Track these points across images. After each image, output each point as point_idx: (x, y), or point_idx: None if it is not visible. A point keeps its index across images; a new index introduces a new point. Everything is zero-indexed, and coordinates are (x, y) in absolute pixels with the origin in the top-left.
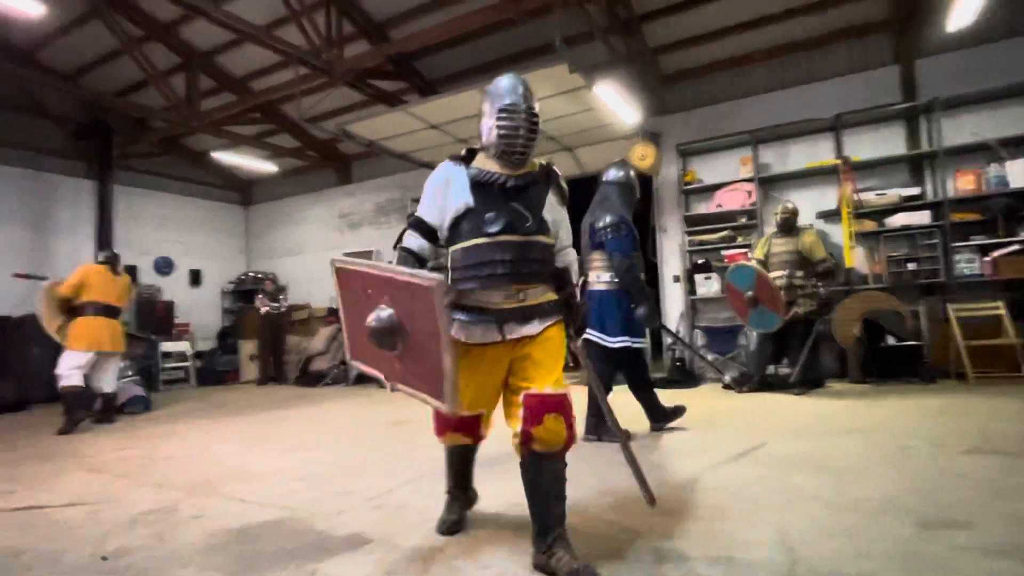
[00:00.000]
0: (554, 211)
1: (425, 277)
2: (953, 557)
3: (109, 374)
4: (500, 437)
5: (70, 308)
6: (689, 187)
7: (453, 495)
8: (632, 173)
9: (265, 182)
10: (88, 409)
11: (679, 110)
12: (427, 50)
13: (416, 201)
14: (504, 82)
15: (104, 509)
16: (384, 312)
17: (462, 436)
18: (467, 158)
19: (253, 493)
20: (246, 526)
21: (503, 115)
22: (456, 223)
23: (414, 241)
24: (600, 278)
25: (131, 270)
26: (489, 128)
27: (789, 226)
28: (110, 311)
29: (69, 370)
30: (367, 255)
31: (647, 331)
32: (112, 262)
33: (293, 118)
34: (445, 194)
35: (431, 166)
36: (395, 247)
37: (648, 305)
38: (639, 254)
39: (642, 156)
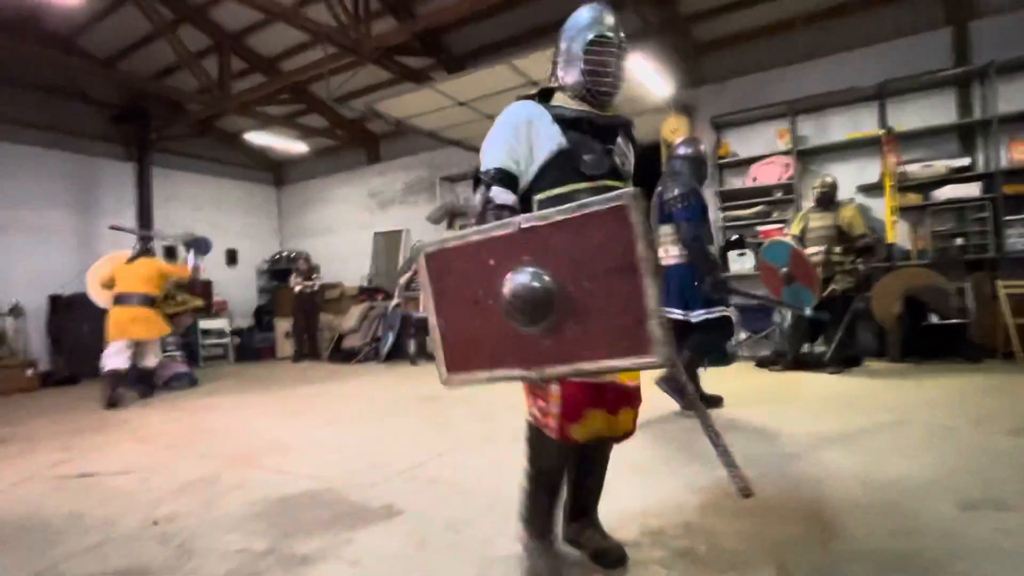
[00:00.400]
0: (632, 163)
1: (605, 199)
2: (999, 538)
3: (148, 354)
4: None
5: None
6: (723, 161)
7: (540, 542)
8: (702, 148)
9: (297, 162)
10: (127, 386)
11: (714, 81)
12: (454, 25)
13: (447, 179)
14: (587, 13)
15: (153, 477)
16: (525, 275)
17: (627, 413)
18: (543, 97)
19: (291, 465)
20: (285, 496)
21: (592, 48)
22: (544, 168)
23: (507, 195)
24: (670, 252)
25: (170, 251)
26: (570, 65)
27: (828, 200)
28: (132, 299)
29: (109, 357)
30: (396, 235)
31: (723, 303)
32: (139, 252)
33: (322, 98)
34: (529, 136)
35: (460, 144)
36: (482, 213)
37: (714, 277)
38: (707, 227)
39: (674, 129)
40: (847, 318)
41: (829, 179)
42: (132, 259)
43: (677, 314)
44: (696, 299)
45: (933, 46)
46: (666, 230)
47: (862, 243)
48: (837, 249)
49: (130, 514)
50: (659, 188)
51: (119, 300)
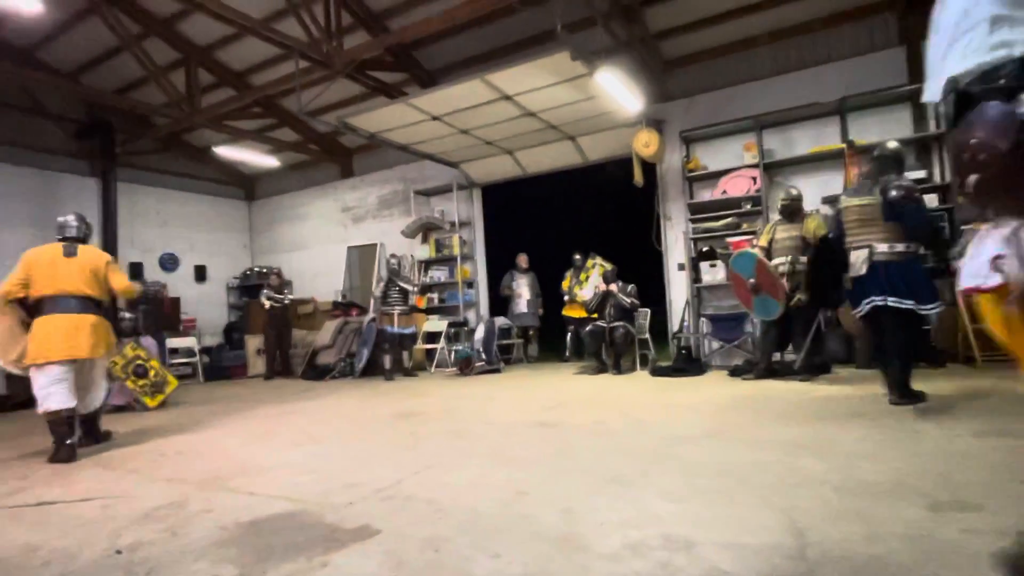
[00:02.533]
0: None
1: None
2: (965, 539)
3: (92, 387)
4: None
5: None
6: (693, 174)
7: None
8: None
9: (268, 177)
10: (82, 435)
11: (682, 96)
12: (427, 40)
13: (422, 193)
14: None
15: (116, 504)
16: None
17: None
18: None
19: (262, 486)
20: (257, 519)
21: None
22: None
23: None
24: (895, 248)
25: (137, 267)
26: None
27: (793, 212)
28: (70, 303)
29: (43, 390)
30: (371, 248)
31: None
32: (71, 239)
33: (294, 112)
34: None
35: (433, 158)
36: None
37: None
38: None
39: (645, 144)
40: (814, 326)
41: (794, 191)
42: (69, 252)
43: (907, 304)
44: (928, 292)
45: (889, 64)
46: (892, 226)
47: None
48: (802, 259)
49: (92, 544)
50: (874, 187)
51: (51, 306)
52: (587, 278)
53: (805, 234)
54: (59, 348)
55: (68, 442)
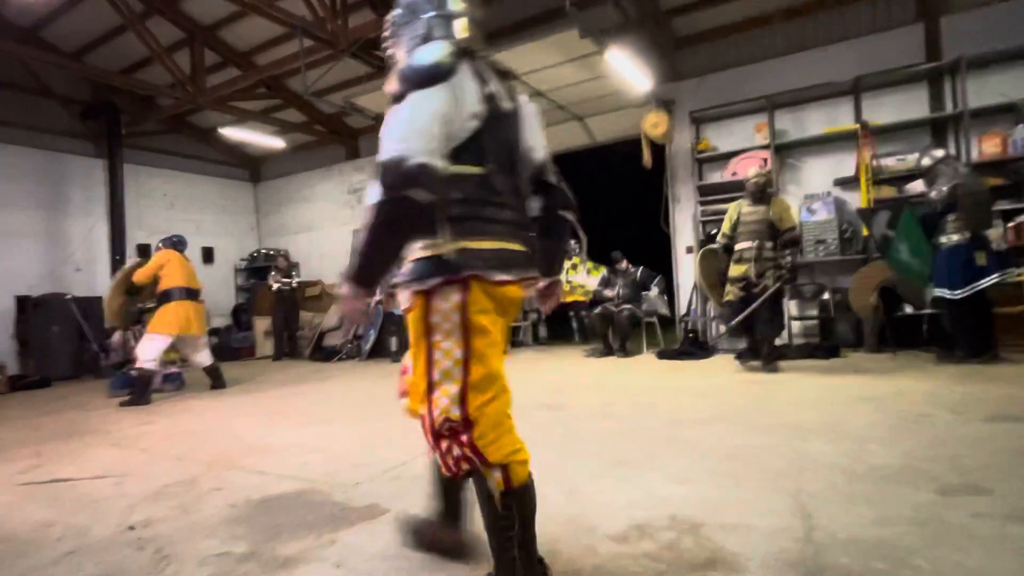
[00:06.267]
0: None
1: None
2: (974, 523)
3: (202, 350)
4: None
5: (132, 292)
6: (703, 155)
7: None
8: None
9: (274, 158)
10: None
11: (692, 75)
12: None
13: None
14: None
15: (128, 482)
16: None
17: None
18: None
19: (272, 466)
20: (266, 498)
21: None
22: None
23: None
24: (952, 239)
25: (144, 249)
26: None
27: (762, 193)
28: (196, 295)
29: (150, 354)
30: None
31: None
32: (180, 246)
33: (299, 92)
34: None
35: None
36: None
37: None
38: None
39: (654, 124)
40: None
41: (765, 170)
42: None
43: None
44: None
45: (905, 41)
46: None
47: (790, 236)
48: (768, 244)
49: (104, 520)
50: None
51: (190, 294)
52: (586, 269)
53: (774, 218)
54: (184, 325)
55: (142, 397)
